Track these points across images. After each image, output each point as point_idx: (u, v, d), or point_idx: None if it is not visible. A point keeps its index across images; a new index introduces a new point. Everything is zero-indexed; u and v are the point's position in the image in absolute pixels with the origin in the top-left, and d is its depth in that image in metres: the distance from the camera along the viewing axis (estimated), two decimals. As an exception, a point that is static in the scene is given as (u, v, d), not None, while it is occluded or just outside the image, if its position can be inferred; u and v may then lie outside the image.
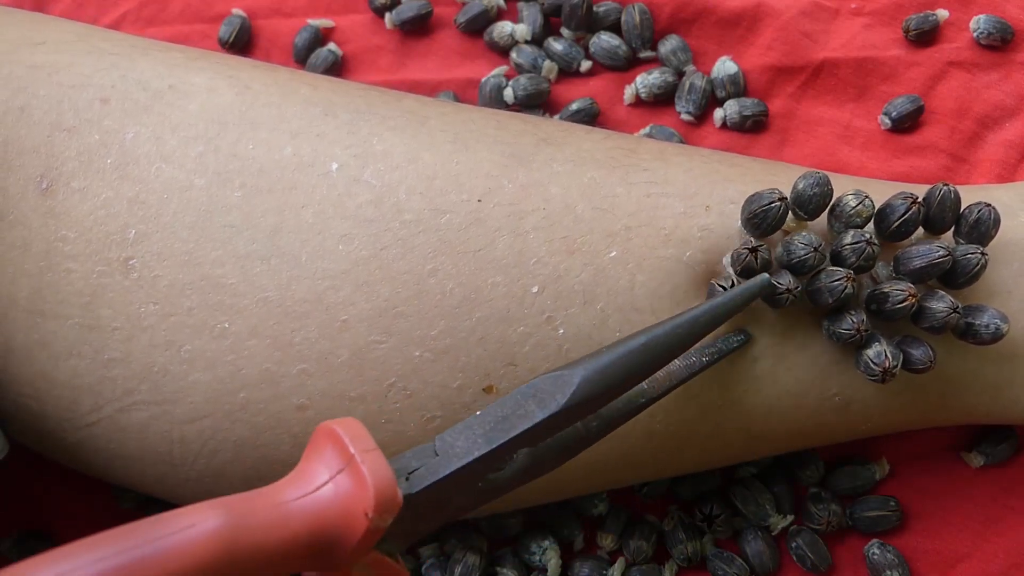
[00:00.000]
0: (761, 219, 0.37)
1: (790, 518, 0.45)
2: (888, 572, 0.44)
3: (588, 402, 0.33)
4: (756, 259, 0.36)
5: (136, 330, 0.37)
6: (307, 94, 0.40)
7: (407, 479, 0.31)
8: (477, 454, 0.32)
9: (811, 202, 0.37)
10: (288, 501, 0.29)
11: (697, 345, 0.36)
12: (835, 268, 0.36)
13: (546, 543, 0.45)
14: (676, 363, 0.37)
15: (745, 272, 0.37)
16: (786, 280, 0.36)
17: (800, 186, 0.37)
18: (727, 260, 0.38)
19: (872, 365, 0.37)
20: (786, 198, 0.37)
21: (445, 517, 0.34)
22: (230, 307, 0.37)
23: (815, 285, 0.37)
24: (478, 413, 0.33)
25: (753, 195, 0.37)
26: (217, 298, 0.37)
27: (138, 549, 0.26)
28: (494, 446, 0.32)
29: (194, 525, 0.27)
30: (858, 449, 0.47)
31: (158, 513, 0.45)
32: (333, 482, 0.30)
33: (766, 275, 0.36)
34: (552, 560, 0.45)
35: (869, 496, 0.46)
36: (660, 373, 0.37)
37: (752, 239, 0.37)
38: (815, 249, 0.36)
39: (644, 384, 0.37)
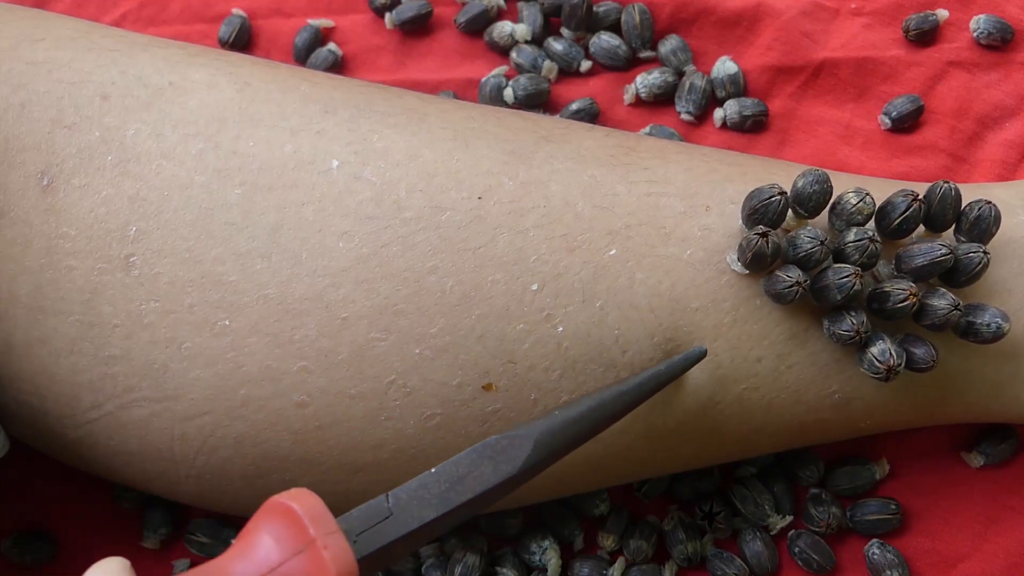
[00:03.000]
0: (762, 214, 0.37)
1: (789, 518, 0.45)
2: (888, 572, 0.44)
3: (539, 464, 0.34)
4: (767, 244, 0.36)
5: (137, 327, 0.37)
6: (307, 91, 0.40)
7: (356, 540, 0.31)
8: (430, 517, 0.32)
9: (811, 200, 0.37)
10: None
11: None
12: (842, 265, 0.36)
13: (546, 543, 0.45)
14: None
15: (756, 259, 0.37)
16: (795, 273, 0.36)
17: (800, 184, 0.37)
18: (731, 257, 0.38)
19: (876, 363, 0.37)
20: (786, 192, 0.37)
21: (381, 569, 0.33)
22: (230, 304, 0.37)
23: (822, 282, 0.37)
24: (433, 470, 0.33)
25: (753, 191, 0.37)
26: (217, 295, 0.37)
27: None
28: (447, 510, 0.32)
29: None
30: (858, 449, 0.47)
31: (164, 510, 0.45)
32: (287, 565, 0.29)
33: (704, 347, 0.38)
34: (552, 560, 0.45)
35: (869, 498, 0.46)
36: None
37: (763, 227, 0.37)
38: (821, 243, 0.36)
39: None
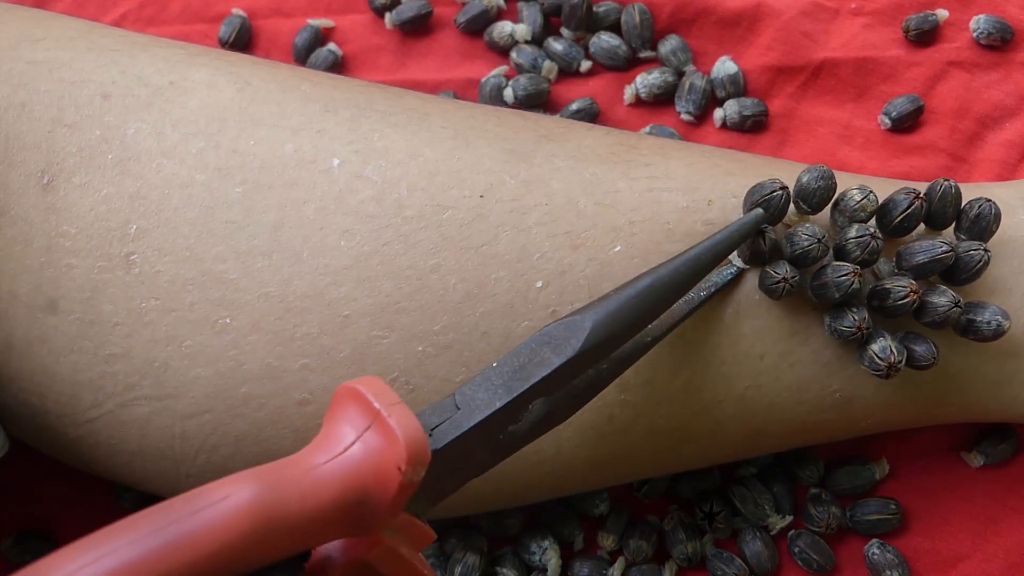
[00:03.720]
0: (763, 208, 0.37)
1: (789, 518, 0.45)
2: (888, 572, 0.44)
3: (601, 346, 0.33)
4: (764, 241, 0.36)
5: (137, 325, 0.37)
6: (308, 90, 0.40)
7: (431, 435, 0.31)
8: (498, 405, 0.32)
9: (815, 195, 0.37)
10: (318, 466, 0.29)
11: None
12: (841, 263, 0.36)
13: (546, 543, 0.45)
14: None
15: (754, 256, 0.37)
16: (782, 270, 0.36)
17: (804, 179, 0.37)
18: (733, 252, 0.38)
19: (877, 360, 0.37)
20: (787, 187, 0.37)
21: (466, 475, 0.33)
22: (231, 302, 0.37)
23: (821, 280, 0.37)
24: (494, 364, 0.33)
25: (755, 185, 0.37)
26: (218, 293, 0.37)
27: (174, 526, 0.26)
28: (514, 395, 0.32)
29: (227, 497, 0.27)
30: (858, 449, 0.47)
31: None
32: (361, 440, 0.29)
33: (760, 210, 0.37)
34: (552, 560, 0.45)
35: (869, 499, 0.46)
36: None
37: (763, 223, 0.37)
38: (819, 240, 0.36)
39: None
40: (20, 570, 0.25)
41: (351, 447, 0.29)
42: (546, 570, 0.45)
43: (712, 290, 0.38)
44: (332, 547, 0.31)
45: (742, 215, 0.38)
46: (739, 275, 0.38)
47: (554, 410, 0.35)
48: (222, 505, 0.27)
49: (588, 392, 0.36)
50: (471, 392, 0.32)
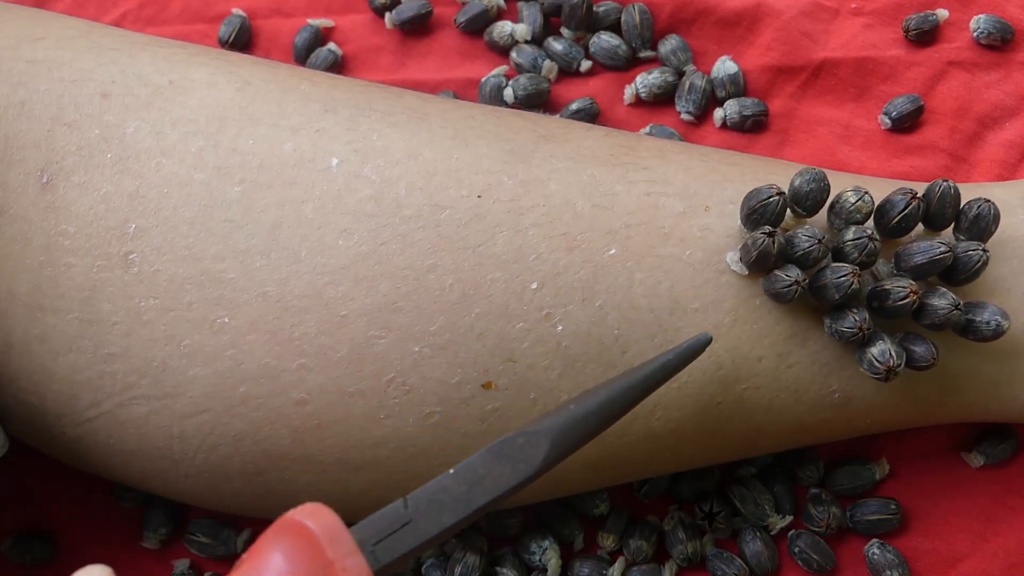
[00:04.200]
0: (760, 214, 0.37)
1: (789, 518, 0.45)
2: (888, 572, 0.44)
3: (557, 460, 0.33)
4: (773, 243, 0.36)
5: (136, 324, 0.37)
6: (307, 90, 0.40)
7: (372, 551, 0.30)
8: (450, 522, 0.31)
9: (808, 198, 0.37)
10: None
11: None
12: (840, 264, 0.36)
13: (546, 543, 0.45)
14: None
15: (760, 259, 0.37)
16: (794, 273, 0.36)
17: (797, 183, 0.37)
18: (731, 257, 0.38)
19: (876, 364, 0.37)
20: (784, 192, 0.37)
21: (406, 567, 0.33)
22: (230, 302, 0.37)
23: (820, 281, 0.37)
24: (451, 472, 0.32)
25: (752, 191, 0.37)
26: (217, 293, 0.37)
27: None
28: (467, 513, 0.31)
29: None
30: (858, 449, 0.47)
31: (164, 510, 0.46)
32: None
33: (709, 334, 0.36)
34: (552, 560, 0.45)
35: (869, 499, 0.46)
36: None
37: (768, 227, 0.37)
38: (819, 241, 0.36)
39: None
40: None
41: None
42: (546, 570, 0.45)
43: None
44: None
45: (739, 222, 0.38)
46: (708, 342, 0.37)
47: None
48: None
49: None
50: (424, 503, 0.31)
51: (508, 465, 0.32)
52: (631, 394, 0.35)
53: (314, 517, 0.28)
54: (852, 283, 0.36)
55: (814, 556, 0.45)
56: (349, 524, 0.30)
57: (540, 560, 0.45)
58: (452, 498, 0.31)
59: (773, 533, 0.45)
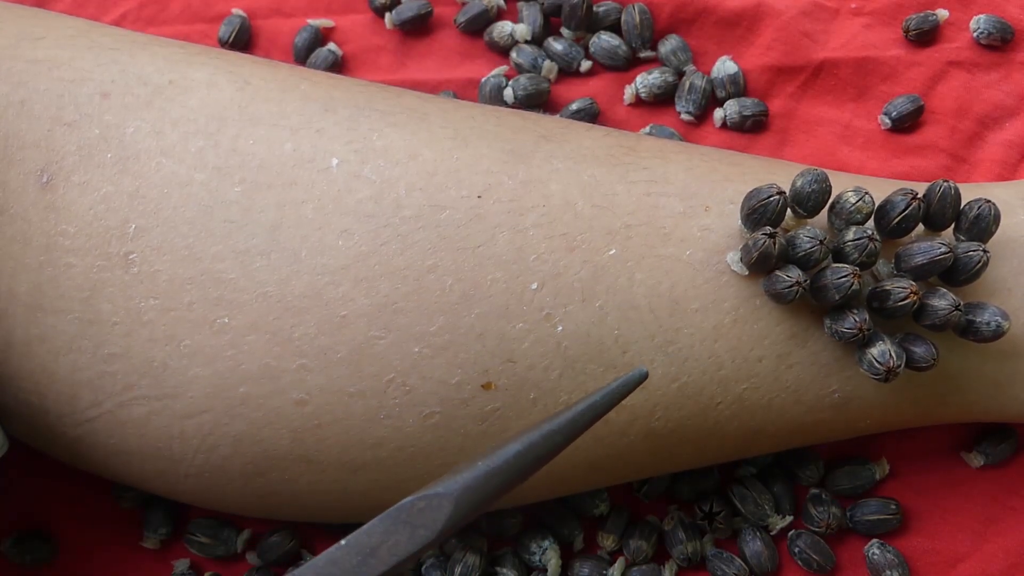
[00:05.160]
0: (760, 213, 0.37)
1: (789, 518, 0.45)
2: (888, 572, 0.44)
3: (462, 520, 0.31)
4: (775, 244, 0.36)
5: (136, 325, 0.37)
6: (307, 90, 0.40)
7: None
8: None
9: (809, 199, 0.37)
10: None
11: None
12: (840, 265, 0.36)
13: (546, 543, 0.45)
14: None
15: (761, 259, 0.36)
16: (795, 273, 0.36)
17: (798, 184, 0.37)
18: (731, 257, 0.38)
19: (876, 364, 0.37)
20: (784, 192, 0.37)
21: None
22: (230, 302, 0.37)
23: (820, 282, 0.37)
24: (343, 542, 0.30)
25: (752, 190, 0.37)
26: (217, 293, 0.37)
27: None
28: None
29: None
30: (858, 449, 0.47)
31: (164, 510, 0.45)
32: None
33: (644, 368, 0.34)
34: (552, 560, 0.45)
35: (869, 499, 0.46)
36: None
37: (769, 228, 0.37)
38: (820, 242, 0.36)
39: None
40: None
41: None
42: (546, 570, 0.45)
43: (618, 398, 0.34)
44: None
45: (739, 222, 0.38)
46: (642, 379, 0.34)
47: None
48: None
49: None
50: None
51: (406, 532, 0.30)
52: (550, 442, 0.32)
53: None
54: (852, 284, 0.36)
55: (814, 556, 0.45)
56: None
57: (540, 560, 0.45)
58: (343, 571, 0.30)
59: (773, 533, 0.45)
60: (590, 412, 0.33)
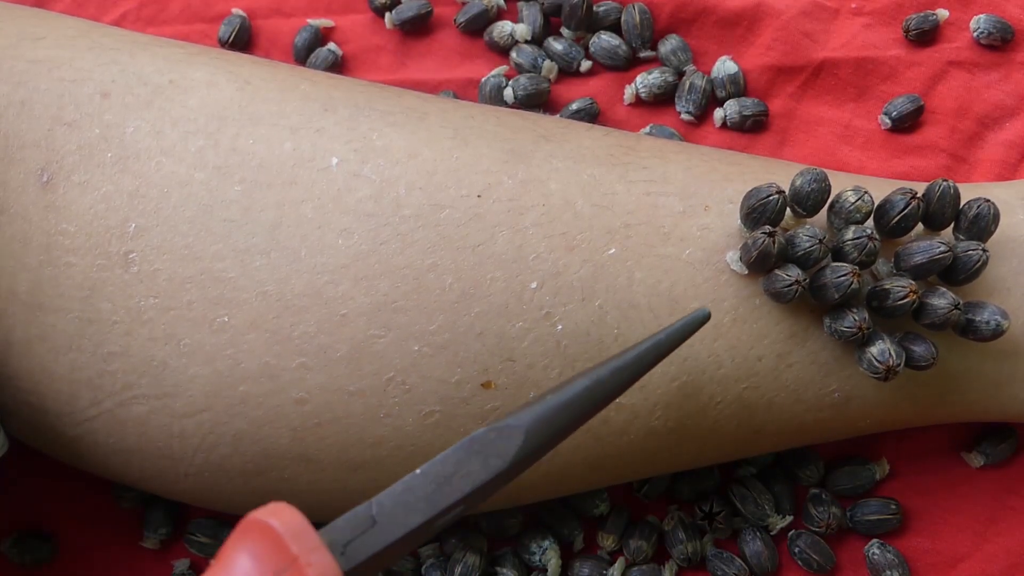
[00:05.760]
0: (760, 213, 0.37)
1: (789, 518, 0.45)
2: (888, 572, 0.44)
3: (533, 454, 0.32)
4: (774, 243, 0.36)
5: (136, 324, 0.37)
6: (307, 90, 0.40)
7: (343, 553, 0.29)
8: (417, 522, 0.30)
9: (809, 198, 0.37)
10: None
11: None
12: (840, 264, 0.36)
13: (546, 543, 0.45)
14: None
15: (761, 258, 0.36)
16: (794, 272, 0.36)
17: (798, 183, 0.37)
18: (731, 256, 0.38)
19: (876, 363, 0.37)
20: (783, 191, 0.37)
21: (383, 569, 0.31)
22: (229, 301, 0.37)
23: (820, 281, 0.37)
24: (418, 471, 0.31)
25: (751, 190, 0.37)
26: (216, 292, 0.37)
27: None
28: (435, 512, 0.30)
29: None
30: (858, 449, 0.47)
31: (164, 510, 0.45)
32: None
33: (707, 308, 0.35)
34: (552, 560, 0.45)
35: (869, 499, 0.46)
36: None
37: (768, 227, 0.37)
38: (820, 241, 0.36)
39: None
40: None
41: None
42: (546, 570, 0.45)
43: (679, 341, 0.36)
44: None
45: (739, 222, 0.38)
46: (705, 319, 0.36)
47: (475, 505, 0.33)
48: None
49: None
50: (390, 504, 0.30)
51: (479, 461, 0.31)
52: (617, 379, 0.33)
53: (277, 515, 0.28)
54: (852, 283, 0.36)
55: (814, 556, 0.45)
56: (319, 526, 0.29)
57: (540, 560, 0.45)
58: (418, 498, 0.30)
59: (773, 533, 0.45)
60: (654, 351, 0.34)
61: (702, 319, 0.35)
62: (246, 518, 0.28)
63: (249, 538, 0.28)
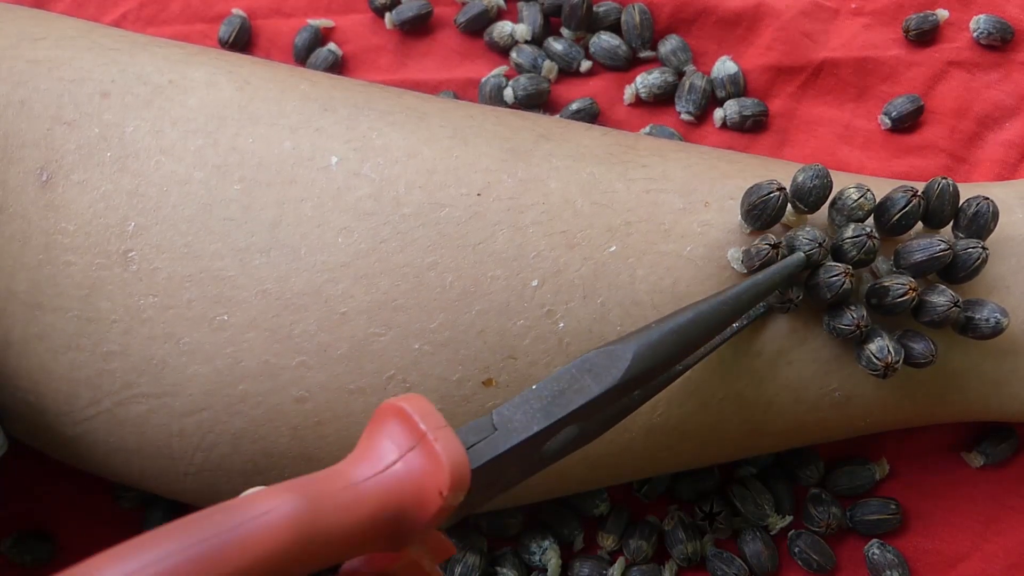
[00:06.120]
0: (760, 210, 0.37)
1: (789, 518, 0.45)
2: (888, 572, 0.44)
3: (640, 376, 0.33)
4: (778, 255, 0.36)
5: (135, 323, 0.37)
6: (306, 89, 0.40)
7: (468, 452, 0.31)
8: (535, 429, 0.31)
9: (811, 194, 0.37)
10: (359, 481, 0.29)
11: None
12: (833, 264, 0.36)
13: (546, 543, 0.45)
14: None
15: (763, 267, 0.37)
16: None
17: (800, 178, 0.37)
18: (732, 253, 0.38)
19: (874, 360, 0.37)
20: (784, 188, 0.37)
21: (494, 491, 0.33)
22: (229, 299, 0.37)
23: (814, 281, 0.37)
24: (534, 387, 0.32)
25: (752, 186, 0.37)
26: (216, 290, 0.37)
27: (216, 538, 0.26)
28: (552, 421, 0.32)
29: (270, 511, 0.27)
30: (858, 449, 0.47)
31: (164, 510, 0.45)
32: (403, 460, 0.29)
33: (802, 254, 0.37)
34: (552, 560, 0.45)
35: (869, 498, 0.46)
36: None
37: (771, 235, 0.37)
38: (820, 244, 0.36)
39: None
40: (65, 570, 0.25)
41: (393, 466, 0.29)
42: (546, 570, 0.45)
43: (746, 322, 0.38)
44: (358, 559, 0.31)
45: (739, 218, 0.38)
46: (767, 311, 0.38)
47: (585, 433, 0.34)
48: (265, 519, 0.26)
49: (618, 416, 0.36)
50: (509, 413, 0.32)
51: (590, 378, 0.33)
52: (718, 313, 0.35)
53: (409, 401, 0.30)
54: (844, 283, 0.36)
55: (814, 556, 0.45)
56: None
57: (540, 560, 0.45)
58: (535, 409, 0.32)
59: (773, 533, 0.45)
60: (753, 289, 0.36)
61: (799, 262, 0.36)
62: (382, 404, 0.30)
63: (385, 421, 0.30)
